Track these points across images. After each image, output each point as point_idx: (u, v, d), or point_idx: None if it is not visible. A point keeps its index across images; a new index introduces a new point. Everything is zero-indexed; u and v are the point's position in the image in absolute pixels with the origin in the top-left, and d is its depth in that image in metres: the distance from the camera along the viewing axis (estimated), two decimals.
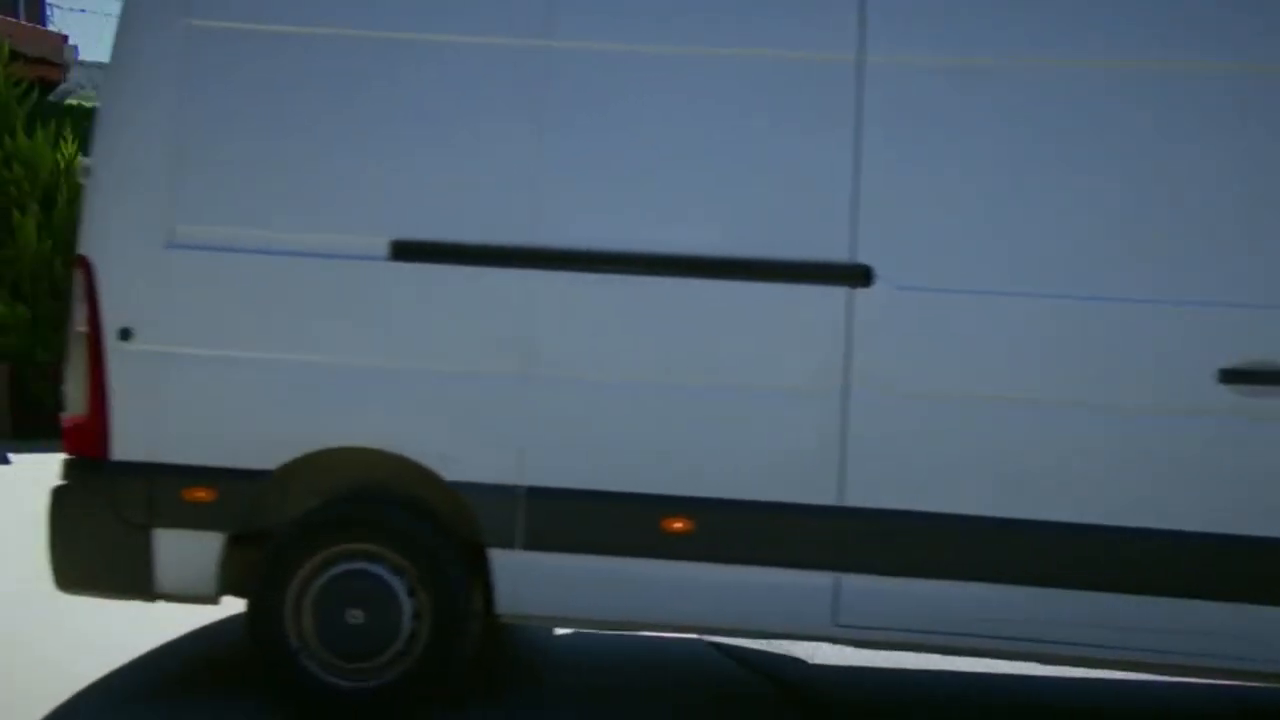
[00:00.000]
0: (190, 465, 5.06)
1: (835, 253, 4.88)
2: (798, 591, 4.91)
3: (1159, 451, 4.75)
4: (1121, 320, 4.77)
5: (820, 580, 4.90)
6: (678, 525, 4.91)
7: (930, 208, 4.88)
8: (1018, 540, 4.80)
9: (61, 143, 14.79)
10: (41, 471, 11.48)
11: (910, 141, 4.88)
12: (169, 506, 5.05)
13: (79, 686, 5.39)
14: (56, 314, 14.45)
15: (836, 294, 4.87)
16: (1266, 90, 4.75)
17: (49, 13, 20.16)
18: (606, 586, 4.97)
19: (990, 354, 4.83)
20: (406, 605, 5.02)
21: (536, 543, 4.97)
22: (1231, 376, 4.69)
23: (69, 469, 5.16)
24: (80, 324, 5.09)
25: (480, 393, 4.98)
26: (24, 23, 17.04)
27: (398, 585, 5.03)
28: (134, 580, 5.09)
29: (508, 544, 4.98)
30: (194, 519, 5.05)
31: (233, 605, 5.32)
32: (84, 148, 14.69)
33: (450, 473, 4.99)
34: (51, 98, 16.58)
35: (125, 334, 5.06)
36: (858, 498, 4.85)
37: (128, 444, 5.07)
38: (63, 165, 14.72)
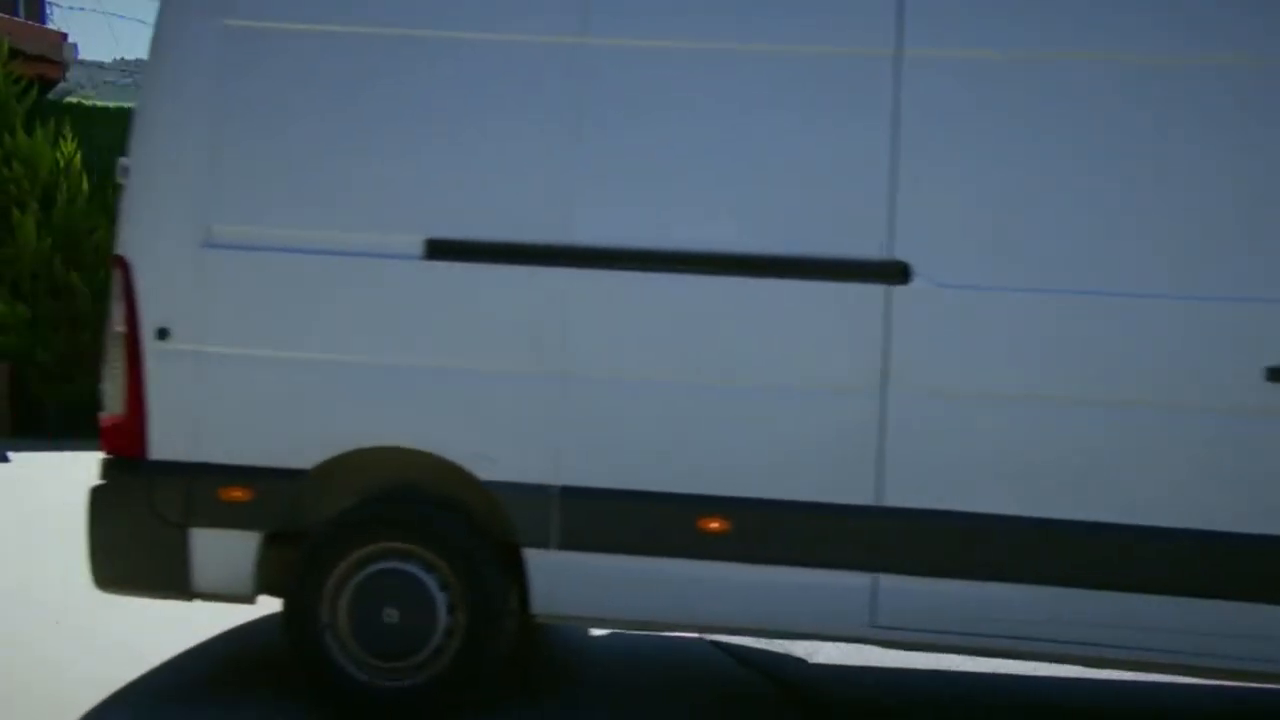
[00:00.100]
0: (227, 465, 5.08)
1: (872, 249, 4.85)
2: (835, 592, 4.88)
3: (1204, 450, 4.72)
4: (1166, 318, 4.73)
5: (858, 581, 4.87)
6: (714, 525, 4.90)
7: (969, 203, 4.84)
8: (1059, 541, 4.76)
9: (61, 141, 14.75)
10: (41, 470, 11.55)
11: (948, 136, 4.85)
12: (206, 506, 5.07)
13: (79, 686, 5.40)
14: (55, 313, 14.44)
15: (874, 291, 4.84)
16: None
17: (48, 11, 20.10)
18: (642, 586, 4.96)
19: (1030, 352, 4.79)
20: (441, 604, 5.02)
21: (572, 542, 4.97)
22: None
23: (107, 468, 5.18)
24: (118, 324, 5.12)
25: (515, 392, 4.99)
26: (23, 20, 16.98)
27: (433, 584, 5.03)
28: (171, 579, 5.10)
29: (543, 544, 4.99)
30: (231, 518, 5.07)
31: (259, 606, 5.36)
32: (83, 146, 14.72)
33: (484, 472, 4.99)
34: (50, 96, 16.51)
35: (163, 333, 5.07)
36: (896, 497, 4.82)
37: (165, 443, 5.09)
38: (62, 164, 14.69)
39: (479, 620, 5.01)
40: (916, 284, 4.82)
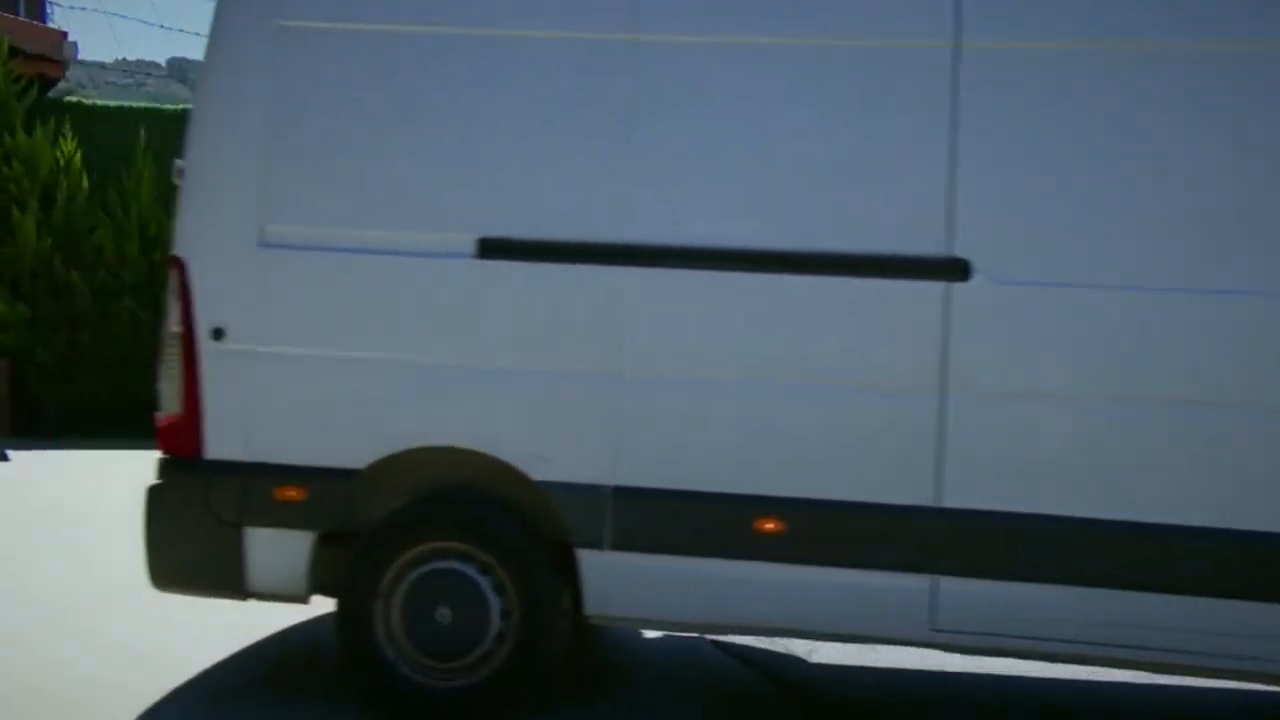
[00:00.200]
0: (282, 464, 5.08)
1: (931, 246, 4.78)
2: (893, 595, 4.81)
3: (1274, 451, 4.61)
4: (1232, 315, 4.62)
5: (917, 584, 4.79)
6: (769, 526, 4.86)
7: (1031, 198, 4.75)
8: (1123, 544, 4.67)
9: (61, 140, 14.71)
10: (40, 469, 11.51)
11: (1009, 129, 4.76)
12: (261, 505, 5.07)
13: (79, 686, 5.41)
14: (55, 312, 14.40)
15: (933, 289, 4.77)
16: None
17: (49, 10, 19.99)
18: (695, 588, 4.92)
19: (1094, 351, 4.71)
20: (494, 605, 5.01)
21: (625, 543, 4.94)
22: None
23: (164, 468, 5.17)
24: (174, 324, 5.11)
25: (568, 391, 4.97)
26: (24, 19, 16.90)
27: (485, 584, 5.02)
28: (226, 579, 5.10)
29: (596, 544, 4.96)
30: (285, 518, 5.07)
31: (309, 608, 5.37)
32: (83, 146, 14.67)
33: (537, 472, 4.98)
34: (50, 95, 16.45)
35: (218, 333, 5.08)
36: (955, 498, 4.75)
37: (221, 443, 5.09)
38: (62, 163, 14.65)
39: (532, 621, 4.99)
40: (976, 281, 4.75)
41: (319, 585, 5.15)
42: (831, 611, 4.89)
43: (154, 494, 5.16)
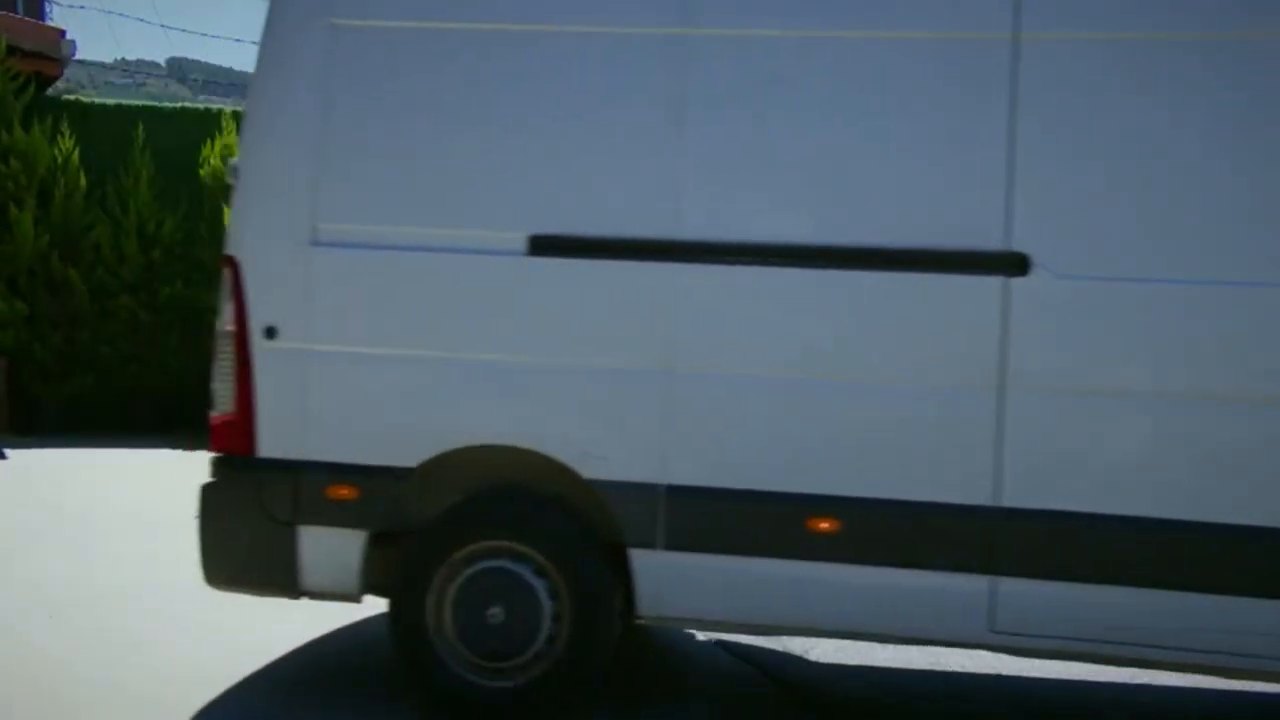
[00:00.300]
0: (334, 463, 5.07)
1: (990, 240, 4.71)
2: (951, 596, 4.75)
3: None
4: None
5: (975, 585, 4.72)
6: (824, 525, 4.81)
7: (1091, 191, 4.68)
8: (1187, 544, 4.59)
9: (59, 137, 14.62)
10: (38, 467, 11.44)
11: (1069, 122, 4.69)
12: (313, 504, 5.06)
13: (79, 684, 5.39)
14: (53, 310, 14.32)
15: (991, 284, 4.70)
16: None
17: (48, 8, 19.87)
18: (749, 588, 4.89)
19: (1156, 347, 4.64)
20: (546, 604, 4.99)
21: (678, 543, 4.91)
22: None
23: (217, 466, 5.16)
24: (228, 323, 5.10)
25: (620, 389, 4.95)
26: (21, 17, 16.80)
27: (538, 584, 5.00)
28: (279, 578, 5.10)
29: (649, 544, 4.93)
30: (337, 516, 5.06)
31: (362, 607, 5.37)
32: (81, 143, 14.58)
33: (589, 470, 4.96)
34: (49, 93, 16.35)
35: (271, 332, 5.07)
36: (1014, 498, 4.68)
37: (274, 441, 5.08)
38: (59, 160, 14.56)
39: (584, 621, 4.97)
40: (1036, 276, 4.68)
41: (371, 584, 5.14)
42: (887, 612, 4.85)
43: (208, 493, 5.15)
